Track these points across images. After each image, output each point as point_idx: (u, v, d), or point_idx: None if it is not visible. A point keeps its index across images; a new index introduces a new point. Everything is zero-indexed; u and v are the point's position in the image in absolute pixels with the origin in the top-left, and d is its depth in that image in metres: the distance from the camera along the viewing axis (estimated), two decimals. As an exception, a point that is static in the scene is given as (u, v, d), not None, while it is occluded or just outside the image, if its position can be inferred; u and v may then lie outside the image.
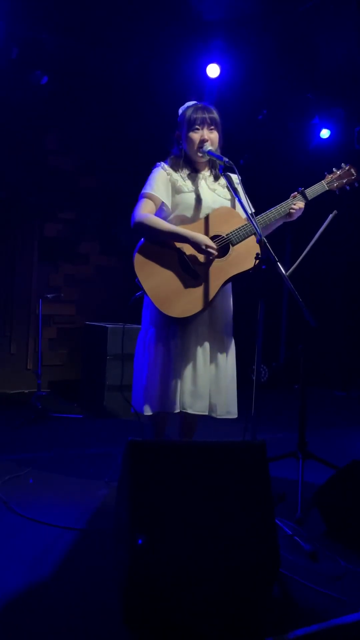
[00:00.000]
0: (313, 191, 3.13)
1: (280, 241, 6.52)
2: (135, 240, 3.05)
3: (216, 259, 2.95)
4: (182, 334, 2.99)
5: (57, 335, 6.08)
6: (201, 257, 2.94)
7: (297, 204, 3.06)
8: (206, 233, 2.96)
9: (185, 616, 1.92)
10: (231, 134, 3.23)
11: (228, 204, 3.10)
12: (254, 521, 1.99)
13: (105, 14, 4.97)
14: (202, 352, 2.99)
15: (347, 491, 2.72)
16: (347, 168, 3.20)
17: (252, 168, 5.73)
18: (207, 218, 3.00)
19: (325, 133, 6.43)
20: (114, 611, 2.02)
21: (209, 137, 3.01)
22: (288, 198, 3.10)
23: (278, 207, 3.04)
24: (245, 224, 2.96)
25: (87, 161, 6.12)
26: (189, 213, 3.03)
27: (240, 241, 2.95)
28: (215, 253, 2.91)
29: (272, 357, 7.27)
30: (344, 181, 3.18)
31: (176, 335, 2.99)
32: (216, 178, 3.12)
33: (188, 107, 3.10)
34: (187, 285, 2.93)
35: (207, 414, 3.01)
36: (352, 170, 3.20)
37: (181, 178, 3.07)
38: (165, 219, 3.06)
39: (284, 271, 2.63)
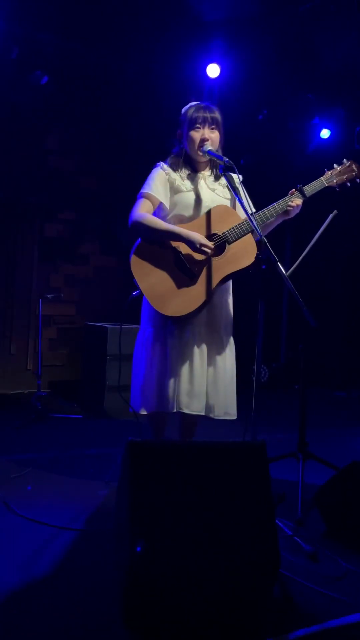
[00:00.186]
0: (311, 188, 3.08)
1: (280, 241, 6.52)
2: (135, 241, 3.05)
3: (212, 258, 2.94)
4: (180, 333, 2.99)
5: (57, 335, 6.08)
6: (196, 256, 2.94)
7: (295, 201, 3.03)
8: (203, 232, 2.95)
9: (185, 617, 1.92)
10: (231, 134, 3.23)
11: (228, 203, 3.09)
12: (254, 522, 1.99)
13: (106, 14, 4.97)
14: (200, 351, 2.99)
15: (348, 492, 2.72)
16: (348, 164, 3.15)
17: (252, 168, 5.73)
18: (203, 217, 3.00)
19: (325, 133, 6.43)
20: (114, 612, 2.02)
21: (210, 137, 3.01)
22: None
23: (275, 204, 3.02)
24: (242, 222, 2.94)
25: (88, 161, 6.12)
26: (187, 212, 3.03)
27: (237, 239, 2.94)
28: (210, 251, 2.90)
29: (272, 358, 7.26)
30: (344, 177, 3.13)
31: (173, 335, 2.99)
32: (217, 178, 3.12)
33: (191, 106, 3.09)
34: (182, 284, 2.93)
35: (203, 414, 3.00)
36: (354, 166, 3.15)
37: (180, 177, 3.07)
38: (163, 218, 3.06)
39: (284, 271, 2.62)
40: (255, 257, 2.72)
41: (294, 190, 3.06)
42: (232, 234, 2.94)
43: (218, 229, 2.97)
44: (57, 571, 2.31)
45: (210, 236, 2.95)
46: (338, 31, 5.11)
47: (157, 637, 1.91)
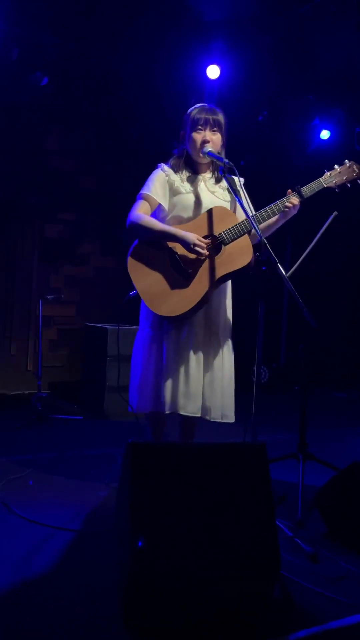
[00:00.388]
0: (310, 189, 3.04)
1: (280, 242, 6.52)
2: (133, 242, 3.06)
3: (208, 259, 2.94)
4: (176, 334, 2.99)
5: (58, 336, 6.08)
6: (191, 256, 2.94)
7: (292, 200, 3.00)
8: (199, 232, 2.95)
9: (185, 618, 1.92)
10: (231, 135, 3.22)
11: (227, 206, 3.08)
12: (254, 523, 1.99)
13: (106, 15, 4.97)
14: (196, 353, 2.98)
15: (348, 493, 2.72)
16: (348, 165, 3.10)
17: (252, 169, 5.72)
18: (200, 217, 3.00)
19: (325, 134, 6.43)
20: (114, 613, 2.02)
21: (211, 139, 3.01)
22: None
23: (272, 205, 3.00)
24: (238, 223, 2.94)
25: (88, 162, 6.12)
26: (186, 214, 3.03)
27: (233, 240, 2.94)
28: (205, 251, 2.90)
29: (273, 358, 7.26)
30: (344, 178, 3.08)
31: (170, 336, 3.00)
32: (217, 181, 3.11)
33: (195, 107, 3.09)
34: (177, 284, 2.94)
35: (199, 415, 3.00)
36: (354, 167, 3.09)
37: (180, 179, 3.07)
38: (162, 220, 3.06)
39: (284, 272, 2.62)
40: (256, 258, 2.72)
41: (290, 191, 3.03)
42: (228, 234, 2.93)
43: (214, 229, 2.97)
44: (56, 571, 2.31)
45: (206, 237, 2.95)
46: (338, 32, 5.11)
47: (157, 638, 1.91)
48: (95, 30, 5.11)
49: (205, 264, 2.94)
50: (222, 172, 2.95)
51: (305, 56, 5.49)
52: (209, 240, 2.93)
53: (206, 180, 3.11)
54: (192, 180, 3.09)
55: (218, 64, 5.57)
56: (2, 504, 2.92)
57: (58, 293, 5.67)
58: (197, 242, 2.88)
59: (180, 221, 3.03)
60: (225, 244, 2.94)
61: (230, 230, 2.93)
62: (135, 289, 3.00)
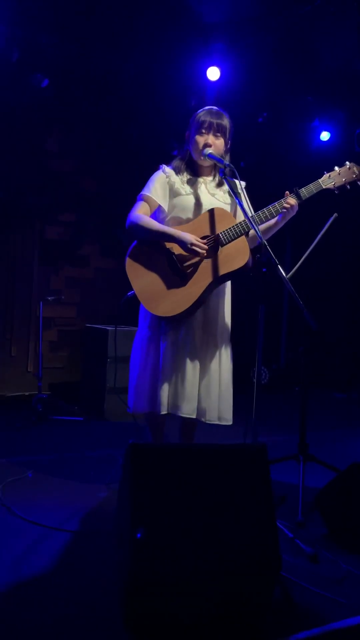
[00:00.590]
0: (308, 191, 3.02)
1: (280, 244, 6.53)
2: (131, 242, 3.07)
3: (205, 259, 2.95)
4: (174, 335, 3.00)
5: (58, 337, 6.08)
6: (189, 257, 2.94)
7: (289, 201, 2.98)
8: (197, 233, 2.95)
9: (186, 619, 1.92)
10: (232, 136, 3.23)
11: (227, 208, 3.09)
12: (255, 524, 1.99)
13: (106, 16, 4.97)
14: (193, 354, 2.99)
15: (348, 494, 2.72)
16: (348, 166, 3.08)
17: (252, 170, 5.73)
18: (198, 218, 3.00)
19: (325, 135, 6.44)
20: (115, 613, 2.02)
21: (213, 143, 3.01)
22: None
23: (270, 206, 2.99)
24: (236, 225, 2.94)
25: (88, 164, 6.12)
26: (185, 215, 3.04)
27: (230, 241, 2.94)
28: (202, 251, 2.90)
29: (273, 360, 7.27)
30: (344, 180, 3.06)
31: (167, 336, 3.00)
32: (219, 185, 3.10)
33: (203, 109, 3.09)
34: (174, 284, 2.95)
35: (194, 417, 3.00)
36: (355, 169, 3.07)
37: (180, 181, 3.08)
38: (162, 221, 3.07)
39: (284, 274, 2.63)
40: (256, 260, 2.72)
41: (288, 192, 3.02)
42: (226, 235, 2.94)
43: (212, 230, 2.97)
44: (57, 572, 2.31)
45: (204, 238, 2.95)
46: (338, 33, 5.11)
47: (157, 638, 1.91)
48: (96, 31, 5.12)
49: (203, 265, 2.95)
50: (223, 174, 2.95)
51: (305, 57, 5.49)
52: (206, 241, 2.94)
53: (207, 182, 3.11)
54: (193, 182, 3.09)
55: (218, 65, 5.57)
56: (2, 505, 2.92)
57: (58, 294, 5.67)
58: (194, 242, 2.89)
59: (179, 222, 3.04)
60: (223, 245, 2.94)
61: (228, 232, 2.93)
62: (133, 289, 3.02)
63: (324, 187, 3.06)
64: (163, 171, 3.10)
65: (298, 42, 5.36)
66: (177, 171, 3.10)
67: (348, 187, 3.09)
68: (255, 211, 2.96)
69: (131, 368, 3.15)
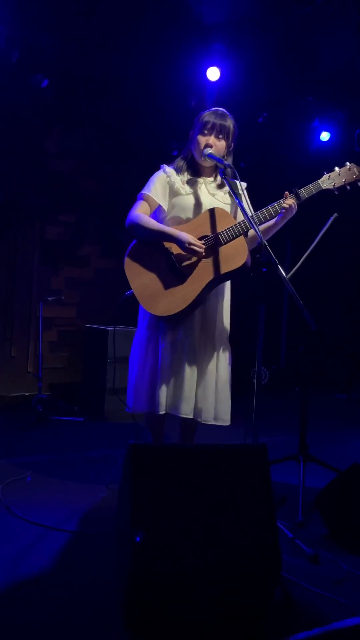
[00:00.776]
0: (307, 191, 3.01)
1: (280, 244, 6.53)
2: (131, 242, 3.07)
3: (203, 259, 2.95)
4: (172, 335, 3.00)
5: (58, 338, 6.08)
6: (187, 256, 2.94)
7: (288, 202, 2.97)
8: (196, 233, 2.95)
9: (187, 619, 1.92)
10: (235, 139, 3.22)
11: (227, 208, 3.08)
12: (255, 524, 1.99)
13: (106, 17, 4.97)
14: (191, 354, 2.98)
15: (349, 494, 2.72)
16: (349, 167, 3.06)
17: (252, 171, 5.73)
18: (197, 218, 3.00)
19: (325, 136, 6.44)
20: (115, 613, 2.02)
21: (215, 144, 3.01)
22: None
23: (269, 207, 2.99)
24: (235, 225, 2.93)
25: (88, 164, 6.12)
26: (185, 215, 3.04)
27: (229, 241, 2.93)
28: (199, 251, 2.90)
29: (273, 360, 7.26)
30: (344, 180, 3.04)
31: (165, 336, 3.00)
32: (220, 187, 3.10)
33: (208, 110, 3.09)
34: (171, 284, 2.95)
35: (192, 417, 3.00)
36: (355, 170, 3.05)
37: (180, 181, 3.08)
38: (161, 220, 3.07)
39: (284, 274, 2.62)
40: (256, 260, 2.72)
41: (287, 193, 3.02)
42: (225, 235, 2.93)
43: (211, 230, 2.97)
44: (57, 572, 2.31)
45: (202, 237, 2.95)
46: (338, 34, 5.12)
47: (157, 639, 1.91)
48: (96, 32, 5.12)
49: (201, 265, 2.95)
50: (223, 174, 2.94)
51: (305, 57, 5.50)
52: (205, 241, 2.93)
53: (207, 183, 3.11)
54: (193, 182, 3.09)
55: (218, 65, 5.57)
56: (2, 505, 2.92)
57: (58, 295, 5.67)
58: (192, 242, 2.89)
59: (179, 222, 3.04)
60: (221, 245, 2.94)
61: (227, 231, 2.93)
62: (130, 289, 3.02)
63: (323, 187, 3.05)
64: (164, 171, 3.10)
65: (298, 42, 5.36)
66: (178, 171, 3.10)
67: (348, 187, 3.07)
68: (254, 212, 2.96)
69: (130, 368, 3.16)
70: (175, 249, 2.95)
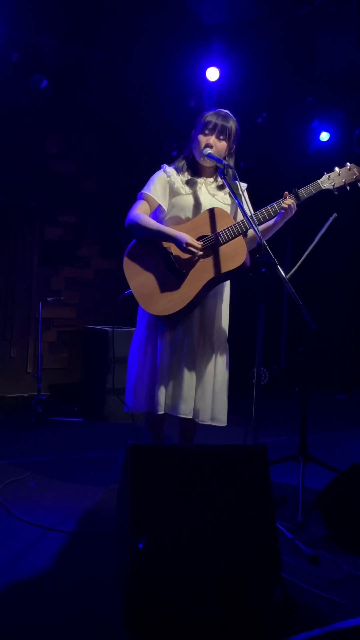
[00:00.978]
0: (307, 191, 3.01)
1: (280, 244, 6.53)
2: (130, 242, 3.07)
3: (201, 259, 2.94)
4: (171, 335, 3.00)
5: (58, 338, 6.08)
6: (185, 256, 2.94)
7: (287, 202, 2.97)
8: (195, 233, 2.95)
9: (186, 620, 1.91)
10: (237, 140, 3.22)
11: (227, 209, 3.08)
12: (255, 525, 1.99)
13: (105, 18, 4.97)
14: (189, 354, 2.98)
15: (349, 495, 2.72)
16: (349, 167, 3.06)
17: (251, 171, 5.73)
18: (196, 218, 3.00)
19: (324, 136, 6.43)
20: (115, 614, 2.01)
21: (215, 144, 3.00)
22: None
23: (269, 207, 2.98)
24: (234, 225, 2.93)
25: (88, 165, 6.13)
26: (184, 215, 3.04)
27: (227, 241, 2.93)
28: (198, 251, 2.90)
29: (273, 360, 7.26)
30: (344, 181, 3.03)
31: (164, 336, 3.00)
32: (221, 187, 3.10)
33: (212, 110, 3.09)
34: (170, 284, 2.94)
35: (190, 417, 3.00)
36: (355, 170, 3.04)
37: (180, 181, 3.08)
38: (161, 220, 3.07)
39: (284, 274, 2.62)
40: (256, 260, 2.72)
41: (287, 193, 3.01)
42: (223, 235, 2.93)
43: (210, 230, 2.97)
44: (56, 573, 2.31)
45: (201, 237, 2.95)
46: (337, 34, 5.11)
47: (157, 639, 1.91)
48: (95, 32, 5.12)
49: (199, 265, 2.94)
50: (222, 175, 2.94)
51: (304, 58, 5.49)
52: (204, 241, 2.93)
53: (207, 183, 3.10)
54: (193, 183, 3.09)
55: (218, 66, 5.58)
56: (1, 506, 2.91)
57: (58, 295, 5.67)
58: (190, 242, 2.88)
59: (178, 222, 3.04)
60: (220, 245, 2.94)
61: (226, 231, 2.92)
62: (129, 288, 3.02)
63: (323, 187, 3.04)
64: (164, 171, 3.10)
65: (298, 43, 5.35)
66: (179, 171, 3.10)
67: (348, 188, 3.07)
68: (253, 212, 2.96)
69: (129, 367, 3.16)
70: (174, 249, 2.95)
